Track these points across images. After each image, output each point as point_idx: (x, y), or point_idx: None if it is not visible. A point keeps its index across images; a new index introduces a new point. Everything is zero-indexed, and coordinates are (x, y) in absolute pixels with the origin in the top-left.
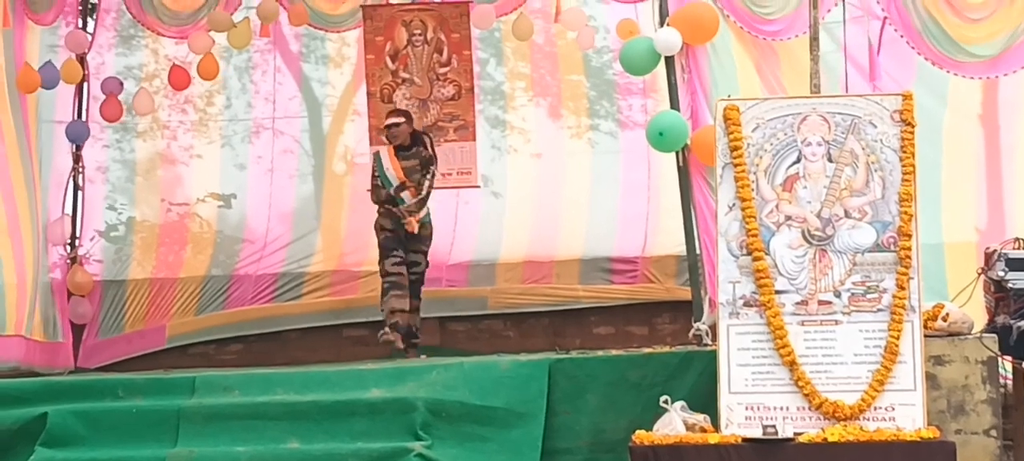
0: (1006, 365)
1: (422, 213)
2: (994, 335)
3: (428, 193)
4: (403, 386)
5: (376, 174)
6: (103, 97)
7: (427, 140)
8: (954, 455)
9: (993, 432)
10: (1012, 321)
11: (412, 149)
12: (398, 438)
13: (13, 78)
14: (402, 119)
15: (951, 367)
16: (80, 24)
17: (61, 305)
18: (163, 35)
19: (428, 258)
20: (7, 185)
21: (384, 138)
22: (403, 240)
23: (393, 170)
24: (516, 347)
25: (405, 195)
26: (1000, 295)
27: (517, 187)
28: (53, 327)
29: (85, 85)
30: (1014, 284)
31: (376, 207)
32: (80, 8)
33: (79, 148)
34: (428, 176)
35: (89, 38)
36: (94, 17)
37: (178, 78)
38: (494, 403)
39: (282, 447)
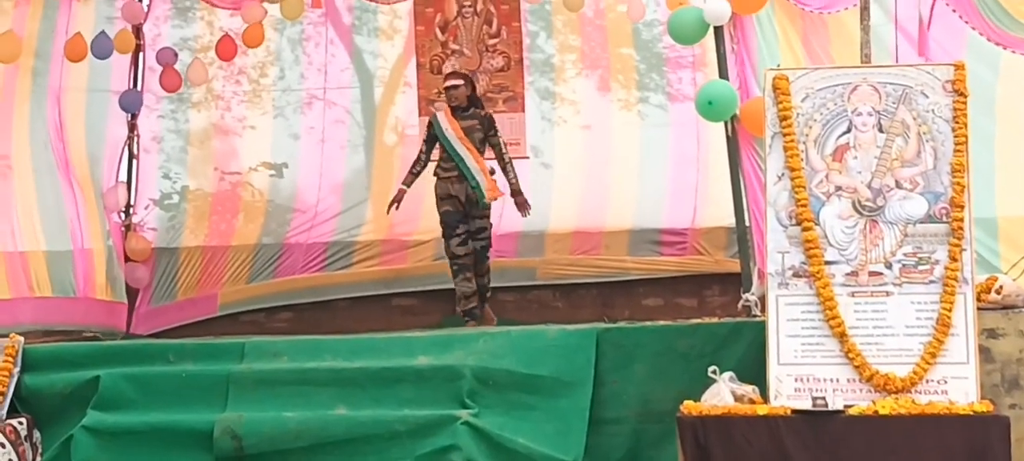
0: None
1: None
2: None
3: (509, 157)
4: (450, 354)
5: (427, 138)
6: (159, 68)
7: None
8: (1008, 429)
9: None
10: None
11: (469, 109)
12: (445, 406)
13: (48, 47)
14: (462, 81)
15: (1005, 340)
16: None
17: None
18: (217, 6)
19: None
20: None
21: (443, 98)
22: (464, 209)
23: (452, 130)
24: (564, 318)
25: (465, 157)
26: None
27: (566, 158)
28: (116, 288)
29: (140, 56)
30: None
31: (434, 177)
32: None
33: (134, 118)
34: (495, 135)
35: (145, 9)
36: None
37: (226, 48)
38: (541, 372)
39: (329, 413)
